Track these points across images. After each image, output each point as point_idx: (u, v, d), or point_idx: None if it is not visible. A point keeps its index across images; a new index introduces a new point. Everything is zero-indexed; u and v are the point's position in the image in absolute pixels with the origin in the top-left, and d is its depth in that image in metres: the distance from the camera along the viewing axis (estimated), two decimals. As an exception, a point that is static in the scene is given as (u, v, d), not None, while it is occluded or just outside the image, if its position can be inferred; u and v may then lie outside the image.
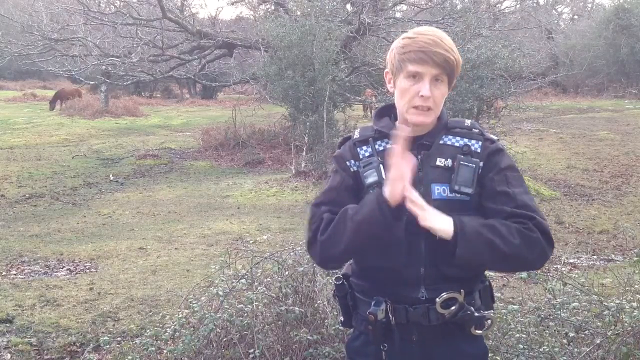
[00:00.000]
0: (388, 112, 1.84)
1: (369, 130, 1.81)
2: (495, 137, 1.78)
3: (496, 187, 1.70)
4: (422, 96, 1.67)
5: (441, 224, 1.61)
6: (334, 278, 1.83)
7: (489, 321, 1.75)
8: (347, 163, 1.79)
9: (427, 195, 1.68)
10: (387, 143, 1.77)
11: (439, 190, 1.70)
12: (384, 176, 1.68)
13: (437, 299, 1.67)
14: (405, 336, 1.72)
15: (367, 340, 1.77)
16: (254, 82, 15.29)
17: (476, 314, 1.70)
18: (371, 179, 1.71)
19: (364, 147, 1.79)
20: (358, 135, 1.81)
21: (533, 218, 1.65)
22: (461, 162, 1.69)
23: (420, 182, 1.70)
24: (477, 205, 1.71)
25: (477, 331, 1.73)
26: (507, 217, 1.65)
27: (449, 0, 16.22)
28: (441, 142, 1.75)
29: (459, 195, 1.68)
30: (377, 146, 1.77)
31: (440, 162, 1.72)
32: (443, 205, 1.67)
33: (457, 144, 1.74)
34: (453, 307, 1.67)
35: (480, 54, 10.22)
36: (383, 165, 1.70)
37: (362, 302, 1.77)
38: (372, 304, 1.70)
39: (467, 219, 1.63)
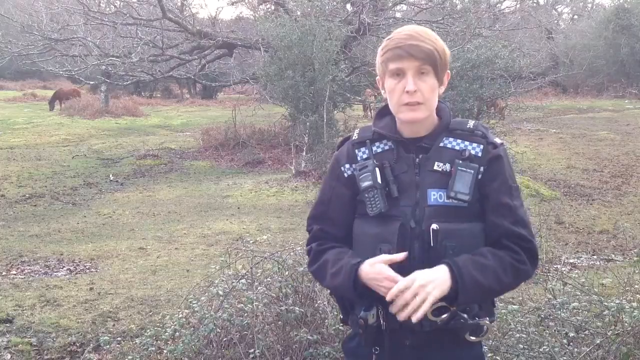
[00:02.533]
0: (389, 111, 1.82)
1: (368, 131, 1.78)
2: (499, 141, 1.73)
3: (500, 198, 1.67)
4: (407, 92, 1.64)
5: (440, 286, 1.58)
6: None
7: (485, 328, 1.70)
8: (342, 168, 1.78)
9: (422, 201, 1.66)
10: (385, 145, 1.75)
11: (435, 195, 1.66)
12: (379, 180, 1.67)
13: None
14: (399, 341, 1.70)
15: (361, 341, 1.75)
16: (254, 82, 15.28)
17: (470, 322, 1.65)
18: (366, 182, 1.69)
19: (362, 149, 1.76)
20: (356, 137, 1.79)
21: (529, 241, 1.67)
22: (459, 168, 1.65)
23: (417, 187, 1.68)
24: (475, 211, 1.67)
25: (472, 338, 1.68)
26: (503, 236, 1.66)
27: (449, 0, 16.20)
28: (441, 144, 1.70)
29: (455, 201, 1.65)
30: (374, 148, 1.75)
31: (438, 166, 1.68)
32: (439, 212, 1.65)
33: (456, 147, 1.70)
34: (444, 315, 1.63)
35: (480, 54, 10.24)
36: (379, 168, 1.69)
37: (357, 304, 1.75)
38: (363, 308, 1.68)
39: (462, 264, 1.60)
